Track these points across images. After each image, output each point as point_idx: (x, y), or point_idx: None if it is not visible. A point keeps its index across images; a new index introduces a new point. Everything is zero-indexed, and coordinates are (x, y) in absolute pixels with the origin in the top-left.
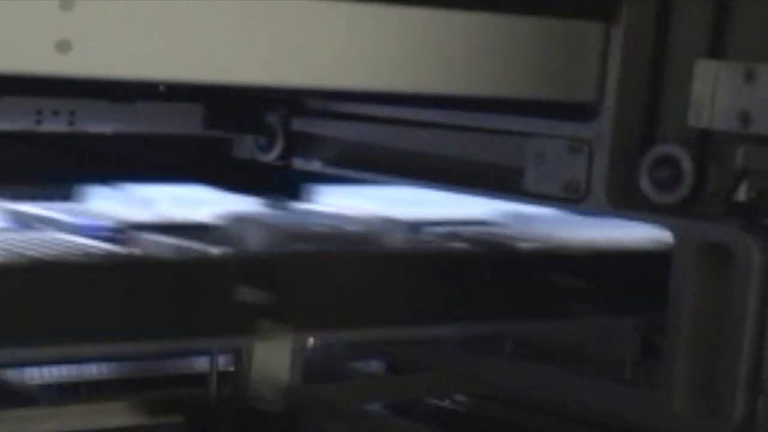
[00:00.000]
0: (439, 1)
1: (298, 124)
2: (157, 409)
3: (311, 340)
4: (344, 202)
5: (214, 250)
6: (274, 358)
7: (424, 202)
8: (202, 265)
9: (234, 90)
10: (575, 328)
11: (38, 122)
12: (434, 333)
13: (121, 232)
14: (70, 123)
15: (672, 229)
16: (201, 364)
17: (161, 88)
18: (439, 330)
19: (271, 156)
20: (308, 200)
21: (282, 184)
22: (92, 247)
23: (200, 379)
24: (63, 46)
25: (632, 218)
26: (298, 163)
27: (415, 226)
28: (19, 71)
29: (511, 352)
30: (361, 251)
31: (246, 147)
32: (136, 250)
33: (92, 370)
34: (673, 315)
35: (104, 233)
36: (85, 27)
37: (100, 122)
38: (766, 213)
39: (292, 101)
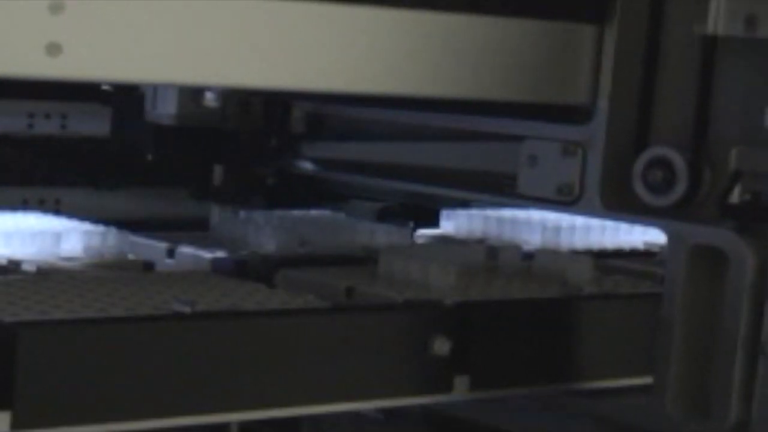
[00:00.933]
0: (430, 3)
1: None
2: None
3: None
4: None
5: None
6: None
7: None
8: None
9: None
10: None
11: (30, 126)
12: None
13: None
14: (63, 126)
15: (665, 231)
16: None
17: None
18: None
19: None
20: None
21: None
22: None
23: None
24: (53, 49)
25: (626, 221)
26: (292, 167)
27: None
28: (9, 74)
29: None
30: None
31: None
32: None
33: None
34: (666, 317)
35: None
36: (75, 30)
37: (93, 125)
38: (760, 216)
39: (285, 104)
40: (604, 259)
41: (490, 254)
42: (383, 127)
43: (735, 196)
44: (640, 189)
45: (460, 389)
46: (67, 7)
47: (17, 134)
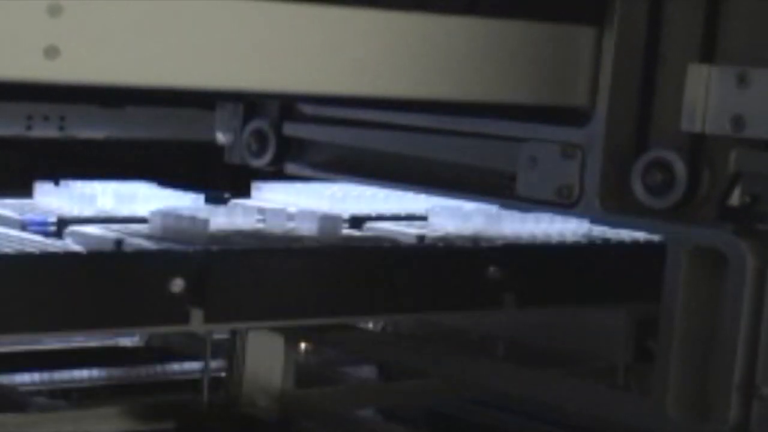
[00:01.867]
0: (430, 5)
1: (289, 129)
2: (149, 415)
3: (302, 346)
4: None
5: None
6: (266, 363)
7: (371, 198)
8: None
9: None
10: (567, 331)
11: (29, 128)
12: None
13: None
14: (61, 128)
15: (665, 233)
16: (193, 369)
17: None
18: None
19: (263, 161)
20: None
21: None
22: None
23: (193, 384)
24: (51, 52)
25: (625, 223)
26: (291, 169)
27: (356, 222)
28: (7, 77)
29: (503, 356)
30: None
31: (237, 152)
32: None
33: (83, 376)
34: (665, 319)
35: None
36: (73, 33)
37: (91, 127)
38: (759, 217)
39: (283, 106)
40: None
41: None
42: (382, 128)
43: (735, 198)
44: (639, 191)
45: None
46: (65, 9)
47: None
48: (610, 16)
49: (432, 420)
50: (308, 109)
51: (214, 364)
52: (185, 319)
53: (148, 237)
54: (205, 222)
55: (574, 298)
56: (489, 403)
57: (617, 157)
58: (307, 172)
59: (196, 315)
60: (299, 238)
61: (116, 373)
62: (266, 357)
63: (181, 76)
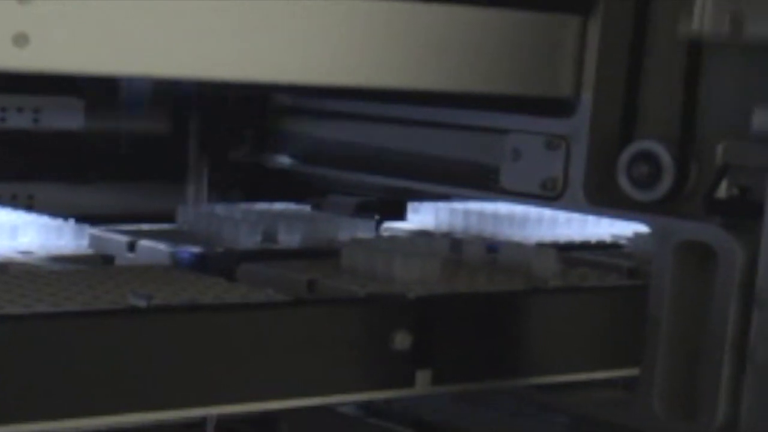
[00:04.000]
0: None
1: (269, 121)
2: None
3: None
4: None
5: None
6: None
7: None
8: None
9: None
10: None
11: (2, 119)
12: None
13: None
14: (35, 120)
15: (652, 227)
16: None
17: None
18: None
19: (241, 153)
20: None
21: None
22: None
23: None
24: (20, 40)
25: (611, 216)
26: (269, 161)
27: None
28: None
29: None
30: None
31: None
32: None
33: None
34: (652, 315)
35: None
36: (43, 20)
37: (65, 119)
38: (747, 211)
39: (263, 98)
40: (570, 251)
41: (455, 247)
42: (364, 120)
43: (722, 191)
44: (625, 184)
45: (422, 384)
46: None
47: None
48: (596, 5)
49: (414, 417)
50: (288, 101)
51: None
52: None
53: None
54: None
55: None
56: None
57: (602, 149)
58: (286, 164)
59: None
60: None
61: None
62: None
63: (154, 65)
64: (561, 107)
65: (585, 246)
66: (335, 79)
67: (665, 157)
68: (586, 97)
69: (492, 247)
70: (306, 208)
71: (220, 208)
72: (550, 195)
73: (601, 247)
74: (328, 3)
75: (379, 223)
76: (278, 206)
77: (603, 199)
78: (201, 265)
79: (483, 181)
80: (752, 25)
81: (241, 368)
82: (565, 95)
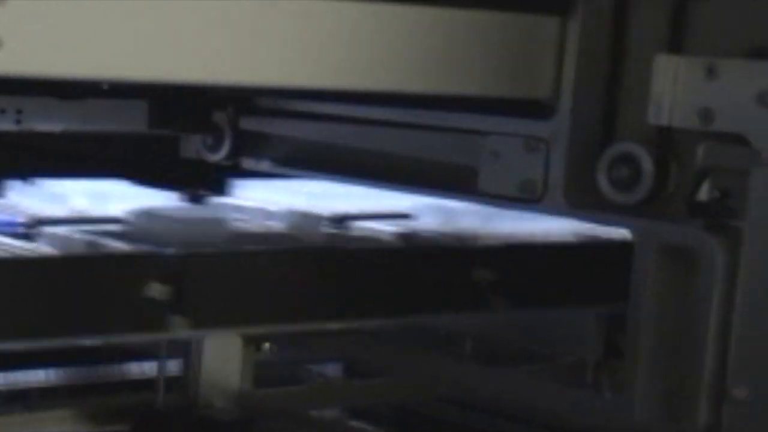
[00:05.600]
0: None
1: (247, 123)
2: (103, 416)
3: (266, 345)
4: (267, 196)
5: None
6: (224, 362)
7: (348, 196)
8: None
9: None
10: (538, 328)
11: None
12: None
13: (32, 227)
14: (18, 121)
15: (632, 229)
16: (150, 369)
17: (105, 86)
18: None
19: (219, 155)
20: (229, 194)
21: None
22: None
23: (149, 384)
24: None
25: (591, 219)
26: (247, 164)
27: (336, 221)
28: None
29: (471, 354)
30: (274, 248)
31: (192, 146)
32: (46, 246)
33: (39, 377)
34: (633, 318)
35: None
36: (16, 23)
37: (48, 120)
38: (729, 213)
39: (240, 99)
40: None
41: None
42: (342, 121)
43: (703, 193)
44: (605, 186)
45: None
46: None
47: None
48: (575, 5)
49: (398, 418)
50: (265, 103)
51: (171, 363)
52: (164, 325)
53: (124, 237)
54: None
55: (565, 298)
56: (455, 401)
57: (582, 151)
58: (265, 166)
59: (178, 321)
60: (280, 238)
61: (71, 373)
62: (224, 357)
63: (130, 68)
64: (540, 109)
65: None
66: (312, 81)
67: (645, 159)
68: (566, 98)
69: None
70: None
71: None
72: (529, 198)
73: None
74: (303, 5)
75: None
76: None
77: (583, 201)
78: None
79: (462, 183)
80: None
81: None
82: (544, 97)
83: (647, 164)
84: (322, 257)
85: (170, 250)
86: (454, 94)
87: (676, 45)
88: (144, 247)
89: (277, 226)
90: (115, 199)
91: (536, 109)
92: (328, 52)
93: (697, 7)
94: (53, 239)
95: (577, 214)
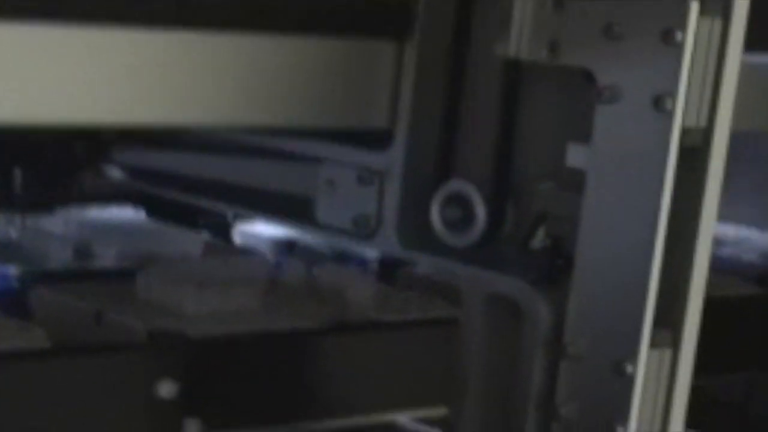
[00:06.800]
0: (212, 23)
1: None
2: None
3: None
4: None
5: None
6: None
7: None
8: None
9: None
10: None
11: None
12: None
13: None
14: None
15: (462, 275)
16: None
17: None
18: None
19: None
20: None
21: None
22: None
23: None
24: None
25: (424, 261)
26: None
27: None
28: None
29: None
30: None
31: None
32: None
33: None
34: (459, 376)
35: None
36: None
37: None
38: (558, 266)
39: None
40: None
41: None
42: (188, 148)
43: (538, 241)
44: (438, 226)
45: None
46: None
47: None
48: (411, 30)
49: None
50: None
51: None
52: None
53: None
54: None
55: None
56: None
57: (417, 187)
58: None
59: None
60: None
61: None
62: None
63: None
64: (376, 139)
65: None
66: (132, 116)
67: (477, 200)
68: (401, 129)
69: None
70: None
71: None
72: (362, 233)
73: None
74: (124, 35)
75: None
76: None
77: (416, 242)
78: None
79: (300, 213)
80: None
81: None
82: (379, 127)
83: (479, 205)
84: None
85: None
86: (285, 126)
87: None
88: None
89: None
90: None
91: (373, 139)
92: (148, 85)
93: None
94: None
95: (410, 254)
